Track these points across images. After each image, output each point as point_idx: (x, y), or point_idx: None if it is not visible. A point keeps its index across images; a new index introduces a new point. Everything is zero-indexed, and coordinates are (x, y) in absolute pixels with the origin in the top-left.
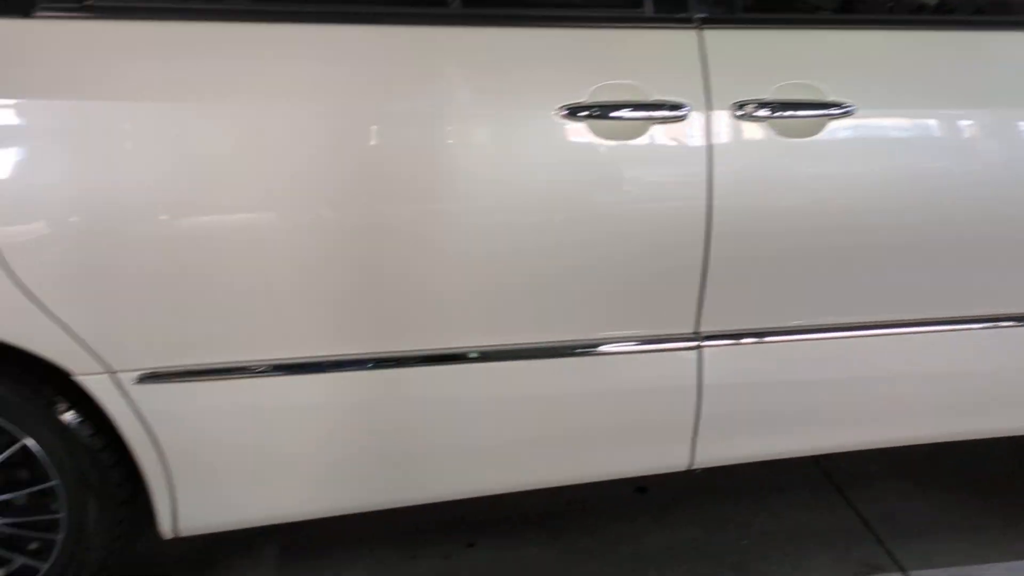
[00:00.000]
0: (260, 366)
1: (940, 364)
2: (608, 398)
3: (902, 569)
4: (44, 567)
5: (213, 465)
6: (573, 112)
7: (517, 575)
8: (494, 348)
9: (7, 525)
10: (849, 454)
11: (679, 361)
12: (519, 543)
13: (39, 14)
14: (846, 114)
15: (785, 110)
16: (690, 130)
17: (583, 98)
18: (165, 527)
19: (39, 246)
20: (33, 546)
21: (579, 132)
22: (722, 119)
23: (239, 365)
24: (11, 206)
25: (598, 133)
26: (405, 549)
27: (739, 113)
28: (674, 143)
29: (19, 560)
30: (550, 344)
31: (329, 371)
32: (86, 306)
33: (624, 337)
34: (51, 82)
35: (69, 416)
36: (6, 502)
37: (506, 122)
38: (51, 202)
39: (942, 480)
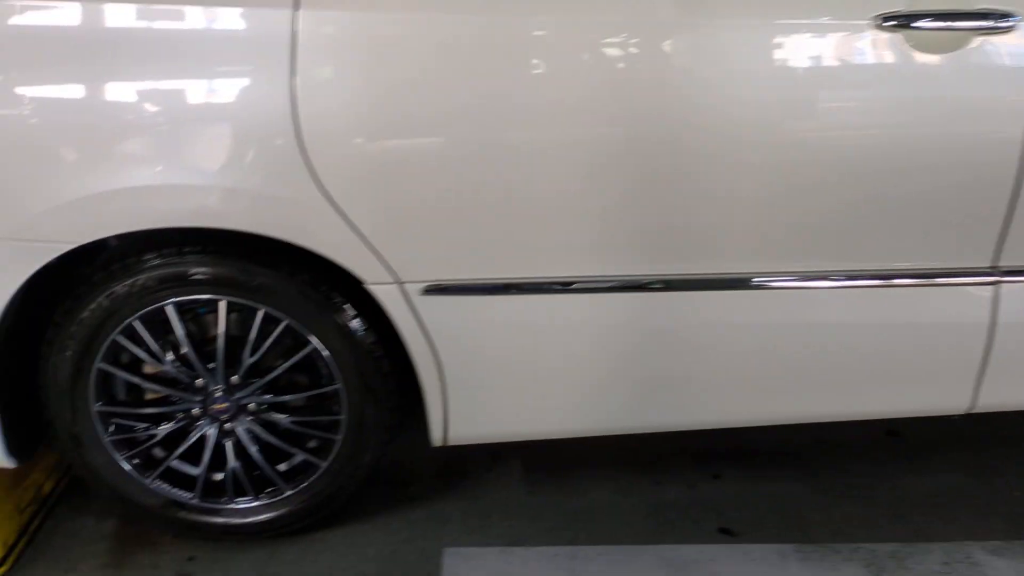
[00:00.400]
0: (536, 283)
1: None
2: (891, 332)
3: None
4: (323, 464)
5: (484, 378)
6: (888, 20)
7: (768, 509)
8: (774, 274)
9: (293, 423)
10: None
11: (973, 297)
12: (767, 478)
13: None
14: None
15: None
16: (1016, 43)
17: (900, 6)
18: (436, 435)
19: (344, 158)
20: (313, 444)
21: (893, 44)
22: None
23: (517, 281)
24: (321, 117)
25: (914, 45)
26: (649, 475)
27: None
28: (997, 57)
29: (300, 456)
30: (835, 271)
31: (602, 292)
32: (382, 218)
33: (916, 269)
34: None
35: (356, 323)
36: (291, 402)
37: (815, 32)
38: (356, 115)
39: None
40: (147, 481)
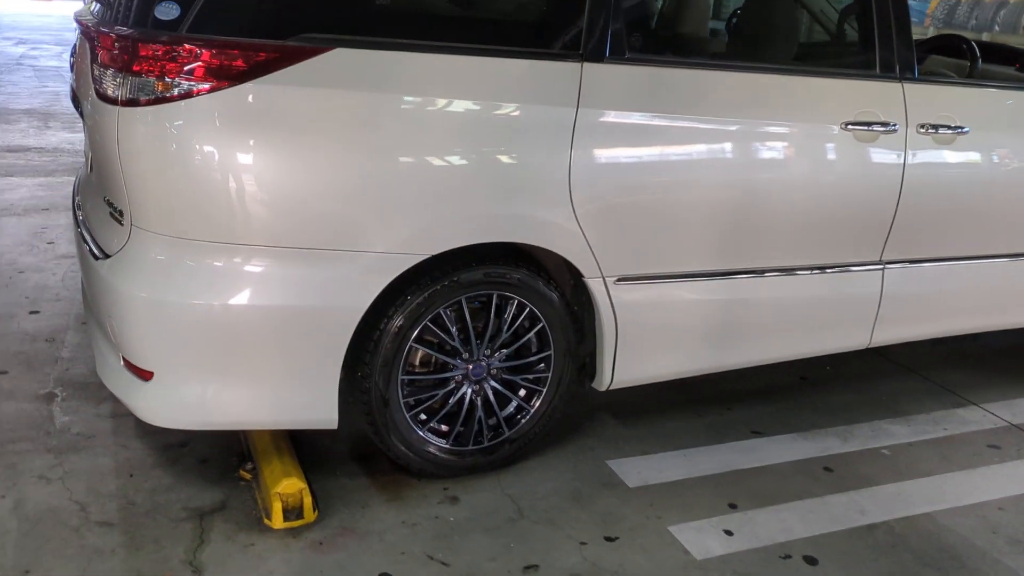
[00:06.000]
0: (683, 274)
1: None
2: (838, 298)
3: None
4: (531, 409)
5: (642, 338)
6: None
7: (778, 413)
8: (785, 268)
9: (523, 380)
10: None
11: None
12: (760, 404)
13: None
14: None
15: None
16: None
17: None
18: (605, 382)
19: (590, 198)
20: (524, 395)
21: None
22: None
23: (672, 273)
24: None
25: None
26: (692, 409)
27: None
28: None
29: (514, 406)
30: (809, 266)
31: (713, 279)
32: (602, 232)
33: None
34: None
35: (565, 306)
36: (523, 365)
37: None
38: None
39: None
40: (422, 432)
